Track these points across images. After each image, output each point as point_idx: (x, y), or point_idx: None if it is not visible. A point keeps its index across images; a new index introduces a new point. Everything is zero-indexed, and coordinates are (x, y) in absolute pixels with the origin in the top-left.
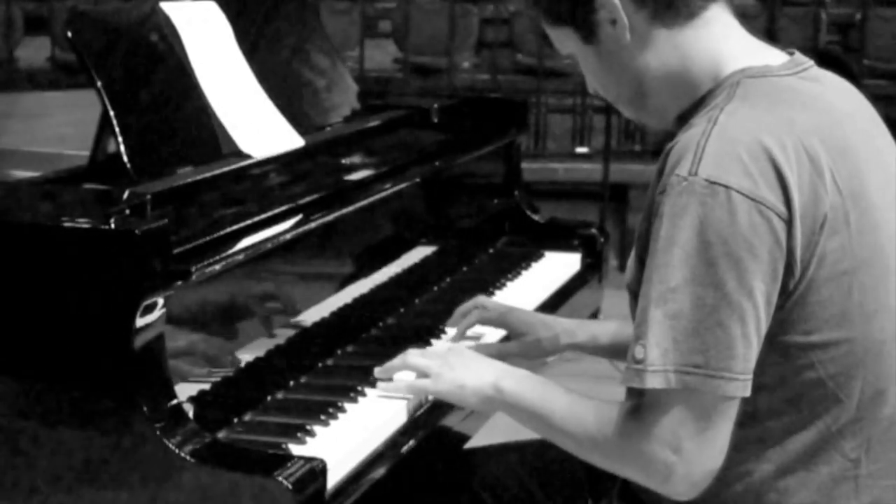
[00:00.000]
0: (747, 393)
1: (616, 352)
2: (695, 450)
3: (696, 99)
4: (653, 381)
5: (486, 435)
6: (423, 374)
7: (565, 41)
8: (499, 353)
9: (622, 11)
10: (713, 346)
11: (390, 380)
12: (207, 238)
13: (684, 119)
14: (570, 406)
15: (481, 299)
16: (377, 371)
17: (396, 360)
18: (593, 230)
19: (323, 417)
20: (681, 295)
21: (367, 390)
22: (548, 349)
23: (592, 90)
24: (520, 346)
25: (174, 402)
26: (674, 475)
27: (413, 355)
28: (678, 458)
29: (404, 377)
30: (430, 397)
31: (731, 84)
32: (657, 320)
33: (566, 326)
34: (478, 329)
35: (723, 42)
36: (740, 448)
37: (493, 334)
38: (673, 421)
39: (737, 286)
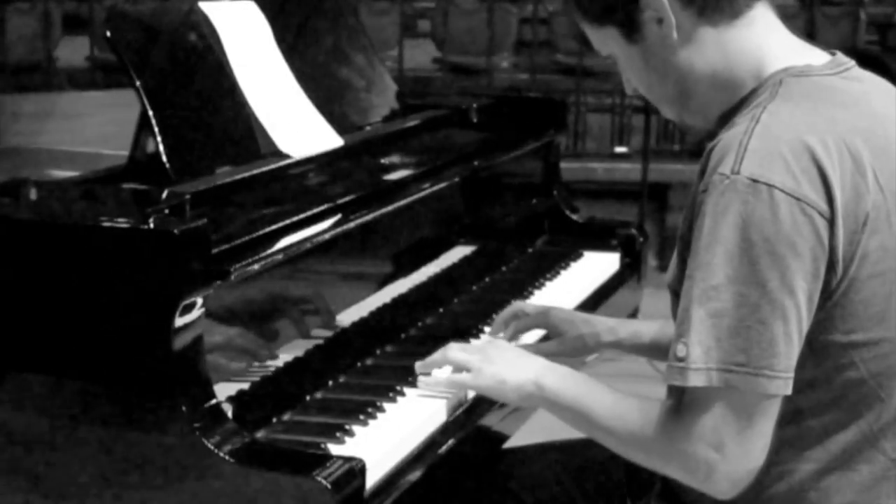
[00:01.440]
0: (789, 391)
1: (656, 351)
2: (736, 448)
3: (738, 98)
4: (695, 380)
5: (525, 435)
6: (463, 369)
7: (608, 41)
8: (538, 351)
9: (669, 10)
10: (755, 345)
11: (430, 374)
12: (246, 238)
13: (726, 118)
14: (612, 403)
15: (519, 305)
16: (417, 365)
17: (437, 355)
18: (632, 230)
19: (362, 417)
20: (723, 293)
21: (406, 390)
22: (588, 347)
23: (631, 91)
24: (559, 345)
25: (213, 401)
26: (715, 473)
27: (453, 350)
28: (720, 457)
29: (444, 373)
30: (470, 397)
31: (773, 83)
32: (699, 318)
33: (606, 325)
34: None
35: (766, 41)
36: (781, 447)
37: (532, 334)
38: (715, 419)
39: (779, 285)
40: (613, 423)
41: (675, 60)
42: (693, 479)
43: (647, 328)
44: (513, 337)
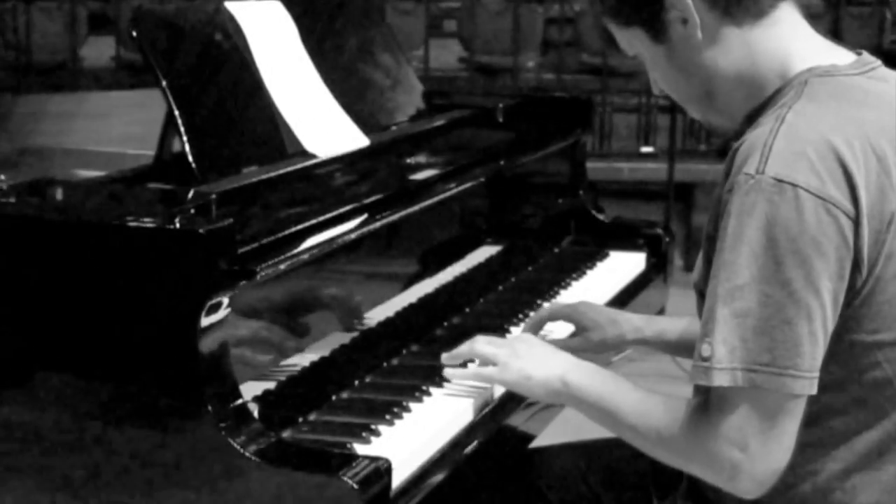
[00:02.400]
0: (814, 391)
1: (683, 348)
2: (761, 448)
3: (764, 98)
4: (720, 379)
5: (551, 434)
6: (490, 363)
7: (633, 42)
8: (565, 348)
9: (694, 10)
10: (780, 345)
11: (457, 366)
12: (272, 238)
13: (752, 118)
14: (638, 401)
15: (551, 307)
16: (444, 356)
17: (464, 347)
18: (658, 230)
19: (388, 417)
20: (748, 293)
21: (433, 390)
22: (614, 344)
23: (658, 90)
24: (586, 342)
25: (239, 401)
26: (740, 473)
27: (480, 342)
28: (745, 456)
29: (471, 366)
30: (496, 396)
31: (799, 83)
32: (724, 318)
33: (633, 321)
34: (546, 326)
35: (791, 41)
36: (806, 447)
37: (559, 332)
38: (740, 419)
39: (804, 284)
40: (639, 420)
41: (700, 60)
42: (718, 478)
43: (674, 325)
44: (540, 326)
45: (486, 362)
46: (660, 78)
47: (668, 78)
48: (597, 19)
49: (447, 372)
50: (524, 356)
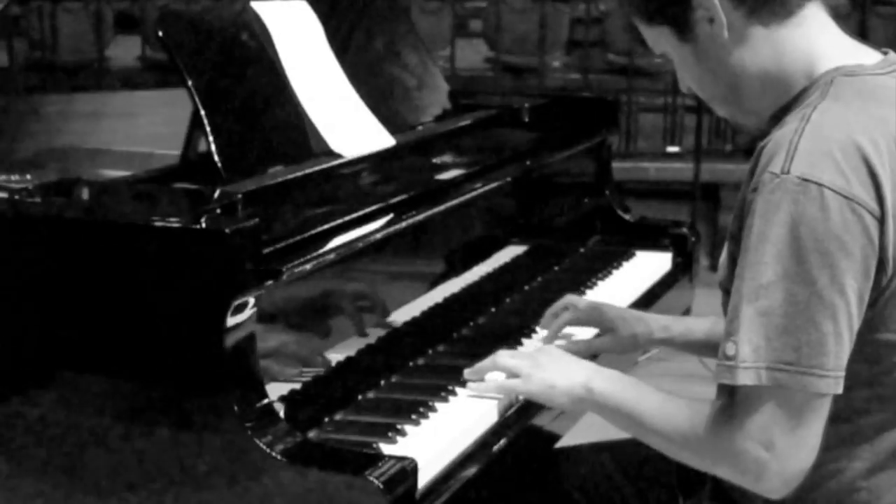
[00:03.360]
0: (839, 390)
1: (708, 348)
2: (787, 447)
3: (790, 97)
4: (744, 378)
5: (577, 434)
6: (513, 375)
7: (660, 40)
8: (590, 349)
9: (720, 9)
10: (805, 344)
11: (481, 380)
12: (298, 237)
13: (778, 118)
14: (662, 405)
15: (570, 298)
16: (467, 372)
17: (486, 361)
18: (684, 229)
19: (414, 417)
20: (773, 292)
21: (458, 390)
22: (640, 344)
23: (686, 88)
24: (612, 342)
25: (265, 401)
26: (766, 472)
27: (503, 356)
28: (771, 456)
29: (495, 377)
30: (521, 397)
31: (824, 82)
32: (749, 317)
33: (658, 321)
34: (568, 329)
35: (817, 41)
36: (831, 446)
37: (584, 333)
38: (765, 418)
39: (829, 283)
40: (664, 423)
41: (726, 60)
42: (744, 478)
43: (699, 325)
44: (561, 328)
45: (509, 374)
46: (687, 76)
47: (695, 77)
48: (625, 18)
49: (471, 386)
50: (547, 366)
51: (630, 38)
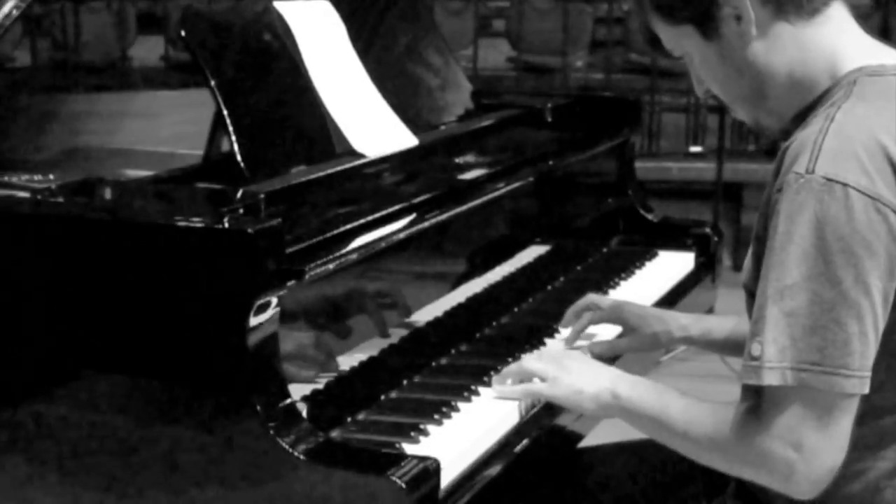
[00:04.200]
0: (866, 390)
1: (729, 347)
2: (816, 447)
3: (813, 97)
4: (770, 378)
5: (600, 434)
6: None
7: (682, 41)
8: (612, 349)
9: (749, 6)
10: (830, 344)
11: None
12: (321, 237)
13: (801, 118)
14: (687, 409)
15: (592, 297)
16: (495, 380)
17: (513, 367)
18: (707, 229)
19: (436, 416)
20: (798, 292)
21: (481, 389)
22: (662, 343)
23: (701, 92)
24: (634, 341)
25: (288, 401)
26: (795, 473)
27: (529, 360)
28: (799, 456)
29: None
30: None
31: (848, 82)
32: (774, 317)
33: (679, 320)
34: (590, 328)
35: (841, 40)
36: (857, 446)
37: (606, 332)
38: (792, 418)
39: (854, 283)
40: (689, 428)
41: (751, 58)
42: (772, 480)
43: (721, 324)
44: (584, 328)
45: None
46: (709, 77)
47: (718, 77)
48: (642, 19)
49: (497, 389)
50: (574, 371)
51: (645, 41)
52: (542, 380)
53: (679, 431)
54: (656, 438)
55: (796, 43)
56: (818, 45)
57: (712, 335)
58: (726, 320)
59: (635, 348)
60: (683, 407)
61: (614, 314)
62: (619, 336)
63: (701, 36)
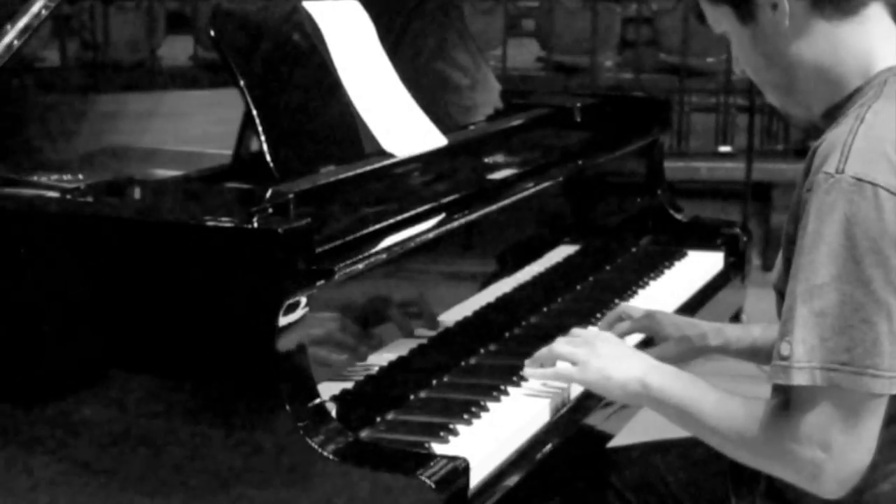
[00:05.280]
0: (895, 390)
1: (762, 355)
2: (844, 447)
3: (844, 95)
4: (799, 378)
5: (629, 434)
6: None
7: (721, 20)
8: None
9: None
10: (859, 344)
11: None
12: (350, 237)
13: (831, 116)
14: (718, 402)
15: (625, 307)
16: (527, 363)
17: (544, 350)
18: (736, 229)
19: (466, 416)
20: (827, 292)
21: (511, 389)
22: (693, 351)
23: (739, 70)
24: (665, 349)
25: (317, 401)
26: (823, 473)
27: (560, 343)
28: (827, 456)
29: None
30: (573, 396)
31: (878, 83)
32: (803, 317)
33: (712, 327)
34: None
35: (877, 41)
36: (885, 447)
37: (633, 338)
38: (821, 418)
39: (883, 284)
40: (719, 421)
41: (784, 48)
42: (800, 478)
43: (753, 332)
44: (622, 335)
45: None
46: (742, 60)
47: (751, 61)
48: None
49: (527, 372)
50: (604, 355)
51: (693, 15)
52: (574, 364)
53: (709, 425)
54: (684, 429)
55: (829, 40)
56: (852, 43)
57: (744, 342)
58: (757, 327)
59: (668, 356)
60: (715, 401)
61: (647, 323)
62: (648, 342)
63: (737, 19)
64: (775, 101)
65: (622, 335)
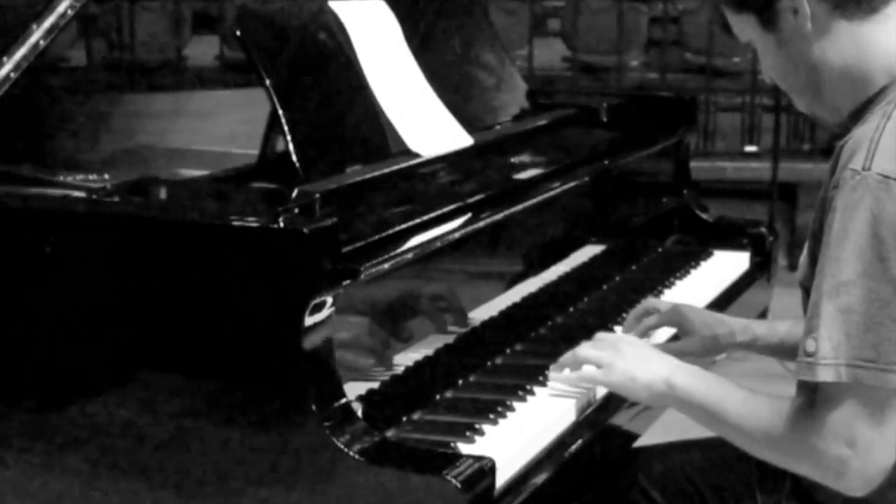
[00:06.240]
0: None
1: (788, 351)
2: (869, 444)
3: (870, 94)
4: (824, 375)
5: (656, 433)
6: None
7: (745, 28)
8: (669, 351)
9: (805, 1)
10: (885, 341)
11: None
12: (376, 237)
13: (857, 115)
14: (743, 401)
15: (652, 302)
16: (552, 368)
17: (568, 355)
18: (762, 229)
19: (492, 416)
20: (853, 289)
21: (537, 389)
22: (720, 346)
23: (768, 78)
24: (691, 344)
25: (343, 400)
26: (848, 470)
27: (584, 347)
28: (852, 453)
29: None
30: (599, 396)
31: None
32: (829, 314)
33: (739, 324)
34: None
35: None
36: None
37: (661, 332)
38: (846, 415)
39: None
40: (744, 420)
41: (808, 52)
42: (825, 475)
43: (780, 328)
44: (643, 334)
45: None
46: (768, 65)
47: (777, 67)
48: (715, 3)
49: (552, 376)
50: (629, 357)
51: (718, 25)
52: (599, 367)
53: (734, 424)
54: (710, 429)
55: (853, 40)
56: (876, 43)
57: (771, 339)
58: (784, 324)
59: (693, 352)
60: (740, 400)
61: (674, 317)
62: (672, 339)
63: (760, 26)
64: (803, 105)
65: (650, 329)
